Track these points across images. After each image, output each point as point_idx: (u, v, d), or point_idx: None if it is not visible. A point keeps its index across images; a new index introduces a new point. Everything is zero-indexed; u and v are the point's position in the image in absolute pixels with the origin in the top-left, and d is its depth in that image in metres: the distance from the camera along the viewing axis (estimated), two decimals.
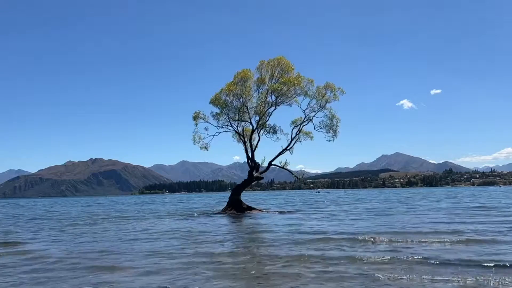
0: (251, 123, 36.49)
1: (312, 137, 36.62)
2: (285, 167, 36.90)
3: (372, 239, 15.86)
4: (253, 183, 39.69)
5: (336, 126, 35.72)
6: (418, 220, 24.56)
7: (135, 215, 37.84)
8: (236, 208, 35.14)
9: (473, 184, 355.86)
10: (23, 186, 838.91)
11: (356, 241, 15.68)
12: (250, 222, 26.37)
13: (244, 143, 36.85)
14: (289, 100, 35.55)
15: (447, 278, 9.56)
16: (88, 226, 26.62)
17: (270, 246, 15.31)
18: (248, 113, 35.98)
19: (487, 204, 40.57)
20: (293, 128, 36.55)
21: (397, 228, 20.20)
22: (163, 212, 42.81)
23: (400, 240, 15.56)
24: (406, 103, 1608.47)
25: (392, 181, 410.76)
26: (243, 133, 36.99)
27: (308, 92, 35.34)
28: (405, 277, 9.75)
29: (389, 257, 12.05)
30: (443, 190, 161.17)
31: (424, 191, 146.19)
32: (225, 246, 15.70)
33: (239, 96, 35.20)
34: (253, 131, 36.42)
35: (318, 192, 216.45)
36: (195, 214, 35.97)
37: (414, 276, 9.84)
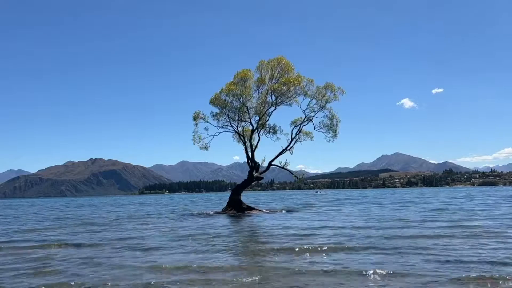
0: (251, 123, 36.46)
1: (312, 137, 36.59)
2: (285, 167, 36.84)
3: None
4: (253, 183, 39.64)
5: (336, 126, 35.65)
6: None
7: (132, 219, 37.80)
8: (236, 208, 35.10)
9: (473, 185, 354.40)
10: (23, 186, 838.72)
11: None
12: (250, 222, 26.34)
13: (244, 143, 36.80)
14: (289, 100, 35.51)
15: None
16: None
17: (270, 246, 15.26)
18: (248, 113, 35.92)
19: None
20: (293, 128, 36.55)
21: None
22: (162, 212, 42.71)
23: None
24: (407, 102, 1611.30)
25: (392, 181, 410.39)
26: (243, 133, 36.94)
27: (308, 92, 35.31)
28: None
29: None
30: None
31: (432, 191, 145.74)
32: (224, 246, 15.64)
33: (239, 96, 35.11)
34: (253, 131, 36.36)
35: (317, 192, 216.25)
36: (195, 214, 35.89)
37: None
